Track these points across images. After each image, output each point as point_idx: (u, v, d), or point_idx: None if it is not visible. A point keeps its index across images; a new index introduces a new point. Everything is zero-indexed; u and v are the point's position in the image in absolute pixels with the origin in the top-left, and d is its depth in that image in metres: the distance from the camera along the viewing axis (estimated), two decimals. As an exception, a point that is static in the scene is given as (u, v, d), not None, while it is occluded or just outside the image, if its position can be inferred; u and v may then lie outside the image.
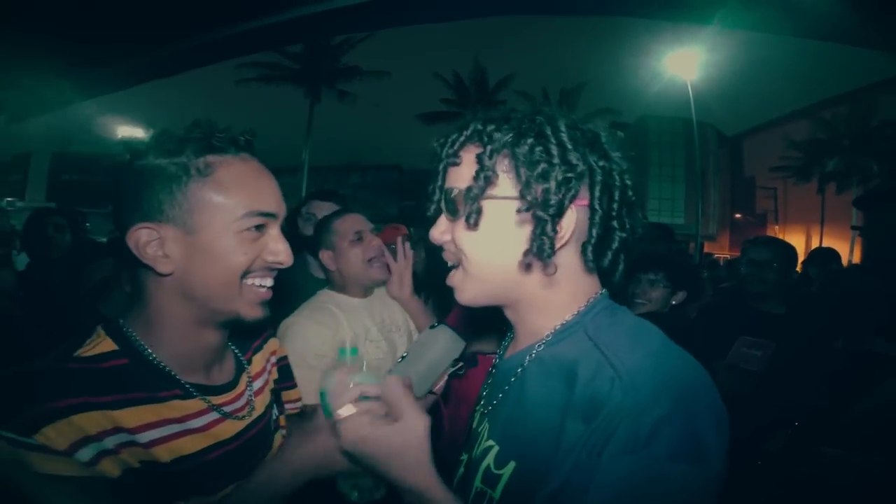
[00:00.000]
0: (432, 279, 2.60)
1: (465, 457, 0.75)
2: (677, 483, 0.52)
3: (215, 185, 0.70)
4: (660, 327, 0.65)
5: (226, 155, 0.72)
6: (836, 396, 1.68)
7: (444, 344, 1.10)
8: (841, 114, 23.43)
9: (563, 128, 0.64)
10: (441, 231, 0.69)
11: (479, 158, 0.63)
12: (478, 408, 0.74)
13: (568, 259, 0.67)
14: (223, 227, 0.71)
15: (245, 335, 0.92)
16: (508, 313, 0.73)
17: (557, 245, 0.64)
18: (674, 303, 1.90)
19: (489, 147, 0.63)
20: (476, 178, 0.63)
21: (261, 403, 0.89)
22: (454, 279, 0.70)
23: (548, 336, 0.68)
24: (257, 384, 0.91)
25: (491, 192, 0.64)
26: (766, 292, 2.09)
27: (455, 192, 0.66)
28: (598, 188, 0.64)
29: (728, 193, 31.20)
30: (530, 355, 0.69)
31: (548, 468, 0.58)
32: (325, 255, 1.62)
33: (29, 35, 2.45)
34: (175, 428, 0.73)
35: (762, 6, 2.55)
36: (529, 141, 0.63)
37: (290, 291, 0.98)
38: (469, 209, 0.64)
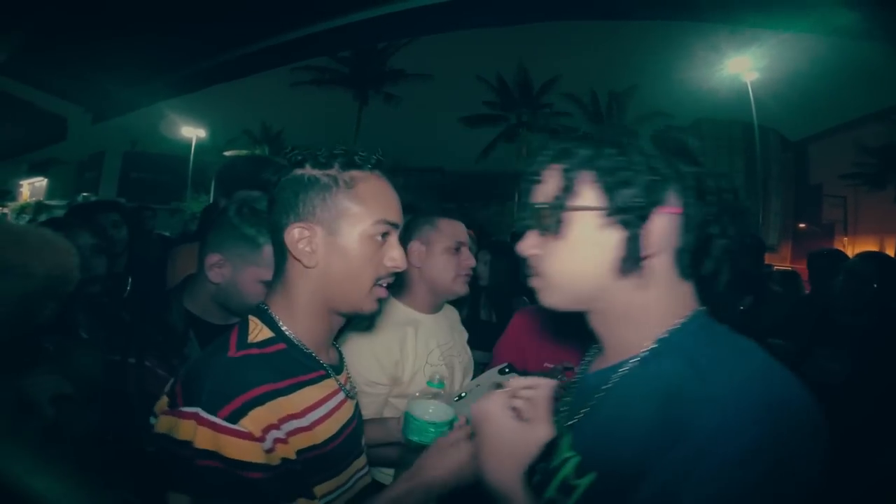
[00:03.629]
0: (495, 285, 2.57)
1: (542, 465, 0.75)
2: None
3: (355, 196, 0.81)
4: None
5: (364, 171, 0.83)
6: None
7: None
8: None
9: (643, 138, 0.67)
10: (529, 245, 0.72)
11: (562, 173, 0.68)
12: (556, 419, 0.74)
13: (660, 268, 0.67)
14: (357, 231, 0.81)
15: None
16: (596, 324, 0.73)
17: (646, 252, 0.65)
18: (741, 308, 1.84)
19: (571, 161, 0.68)
20: (560, 191, 0.67)
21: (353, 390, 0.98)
22: (538, 283, 0.73)
23: (642, 353, 0.68)
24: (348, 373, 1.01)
25: (575, 203, 0.67)
26: (860, 307, 2.01)
27: (541, 206, 0.69)
28: (689, 194, 0.66)
29: (791, 202, 29.17)
30: (621, 371, 0.69)
31: (630, 485, 0.59)
32: (416, 247, 1.50)
33: (113, 40, 2.66)
34: (327, 408, 0.83)
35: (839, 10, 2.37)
36: (609, 152, 0.66)
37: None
38: (555, 221, 0.68)
